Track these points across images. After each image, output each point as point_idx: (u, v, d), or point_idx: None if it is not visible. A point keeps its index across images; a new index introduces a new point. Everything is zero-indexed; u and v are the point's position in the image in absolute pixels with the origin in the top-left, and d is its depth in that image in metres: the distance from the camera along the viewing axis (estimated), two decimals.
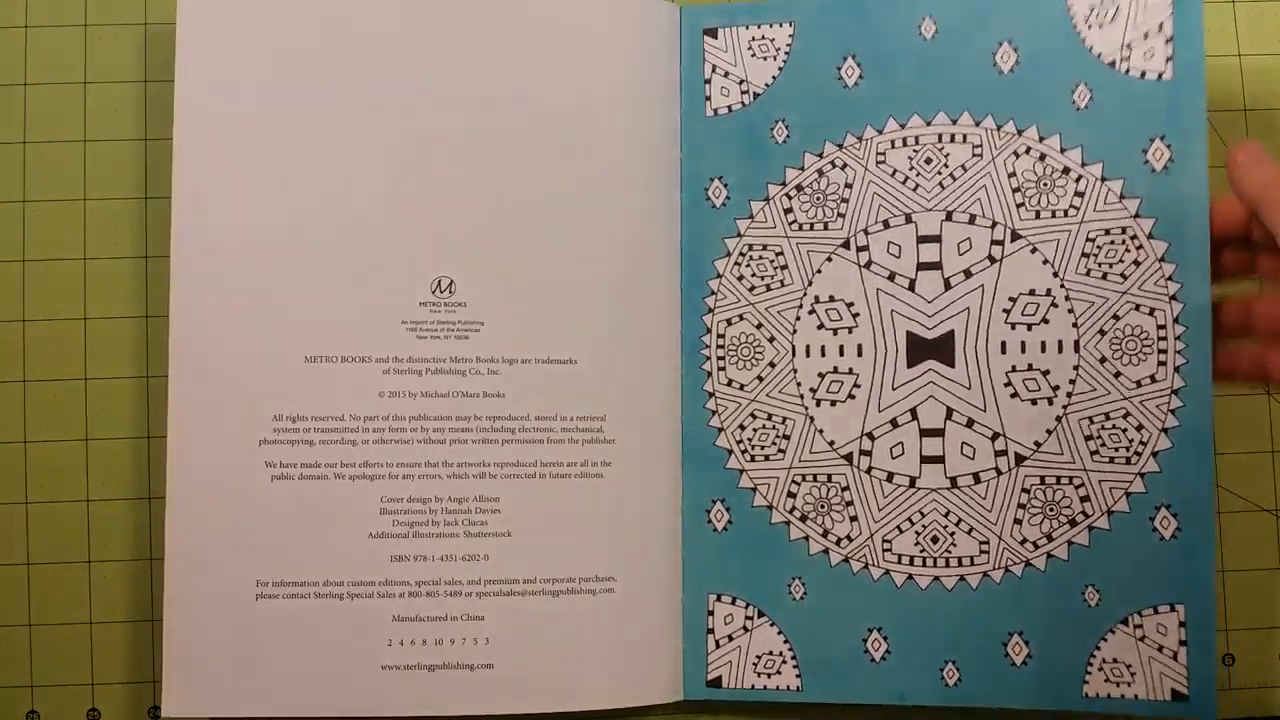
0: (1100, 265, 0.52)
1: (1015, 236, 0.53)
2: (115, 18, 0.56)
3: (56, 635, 0.53)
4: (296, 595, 0.52)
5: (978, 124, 0.53)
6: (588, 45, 0.55)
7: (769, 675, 0.53)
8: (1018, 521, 0.52)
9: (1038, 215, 0.53)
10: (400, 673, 0.52)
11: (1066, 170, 0.52)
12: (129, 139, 0.55)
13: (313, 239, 0.53)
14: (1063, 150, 0.53)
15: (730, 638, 0.53)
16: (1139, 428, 0.52)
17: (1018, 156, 0.53)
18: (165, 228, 0.53)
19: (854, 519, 0.54)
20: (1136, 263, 0.52)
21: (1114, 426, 0.52)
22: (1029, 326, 0.53)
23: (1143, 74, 0.52)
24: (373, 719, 0.52)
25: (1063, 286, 0.52)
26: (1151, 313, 0.51)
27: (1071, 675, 0.52)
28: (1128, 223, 0.52)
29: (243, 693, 0.51)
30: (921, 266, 0.54)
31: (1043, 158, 0.53)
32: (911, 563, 0.53)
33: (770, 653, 0.53)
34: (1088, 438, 0.52)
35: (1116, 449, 0.52)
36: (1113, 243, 0.52)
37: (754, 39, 0.55)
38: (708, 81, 0.55)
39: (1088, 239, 0.52)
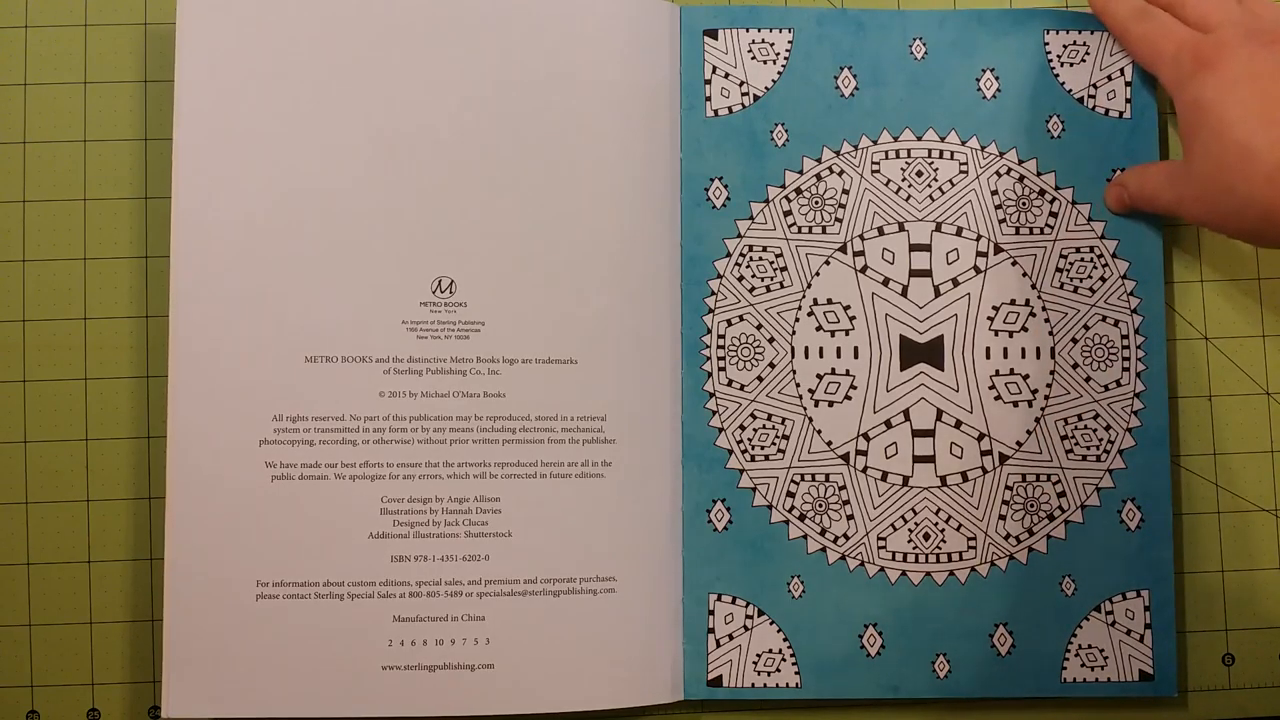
0: (1072, 280, 0.55)
1: (998, 250, 0.56)
2: (115, 18, 0.56)
3: (56, 635, 0.53)
4: (296, 595, 0.52)
5: (963, 143, 0.56)
6: (587, 45, 0.55)
7: (769, 674, 0.54)
8: (1001, 518, 0.55)
9: (1017, 231, 0.55)
10: (400, 673, 0.52)
11: (1042, 192, 0.56)
12: (129, 139, 0.55)
13: (313, 239, 0.53)
14: (1039, 174, 0.56)
15: (731, 637, 0.54)
16: (1107, 428, 0.55)
17: (1000, 176, 0.56)
18: (165, 228, 0.53)
19: (850, 518, 0.54)
20: (1103, 279, 0.55)
21: (1086, 427, 0.55)
22: (1010, 334, 0.55)
23: (1106, 111, 0.56)
24: (372, 719, 0.52)
25: (1040, 298, 0.55)
26: (1116, 324, 0.55)
27: (1051, 662, 0.54)
28: (1095, 243, 0.55)
29: (243, 693, 0.51)
30: (913, 273, 0.55)
31: (1021, 179, 0.56)
32: (905, 559, 0.54)
33: (770, 651, 0.54)
34: (1063, 437, 0.55)
35: (1089, 448, 0.55)
36: (1082, 260, 0.55)
37: (754, 42, 0.56)
38: (708, 82, 0.56)
39: (1061, 255, 0.55)
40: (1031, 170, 0.56)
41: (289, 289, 0.53)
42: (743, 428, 0.55)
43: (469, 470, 0.53)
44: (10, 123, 0.55)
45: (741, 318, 0.55)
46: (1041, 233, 0.55)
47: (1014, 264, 0.55)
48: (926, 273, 0.55)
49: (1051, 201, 0.56)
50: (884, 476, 0.55)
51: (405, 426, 0.53)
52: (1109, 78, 0.56)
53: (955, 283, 0.55)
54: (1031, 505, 0.54)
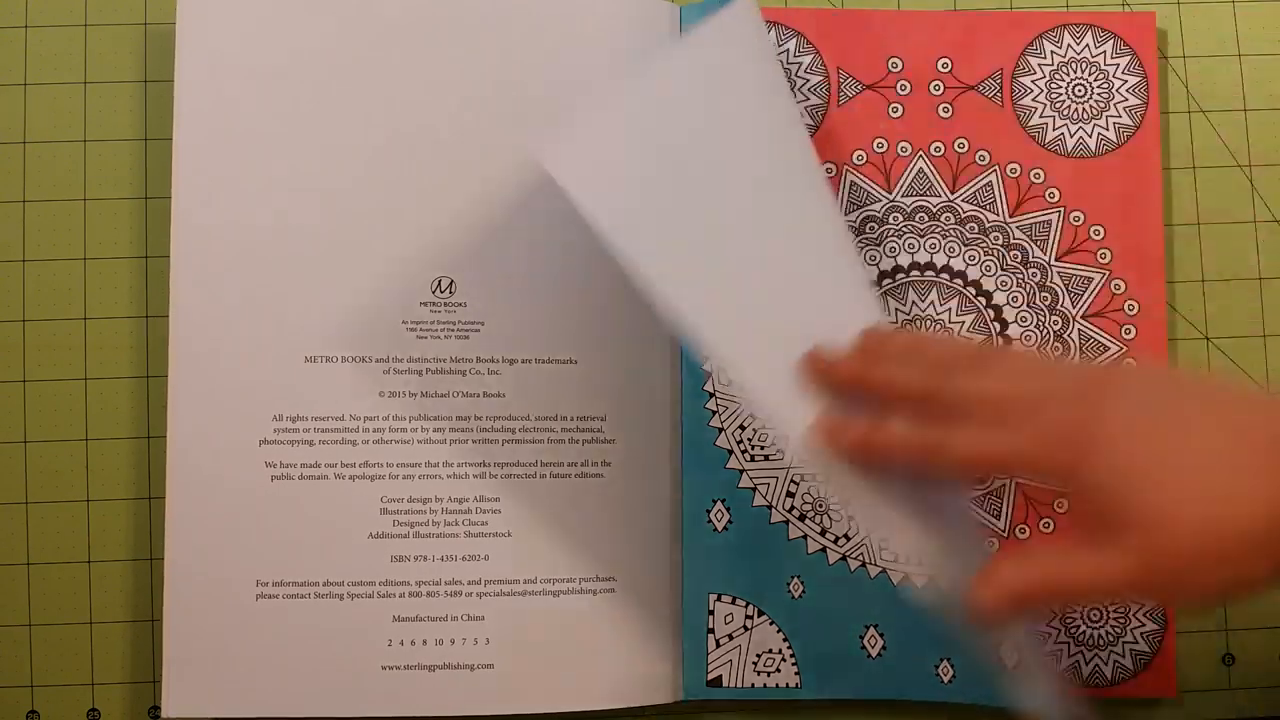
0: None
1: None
2: (115, 18, 0.56)
3: (56, 635, 0.53)
4: (296, 595, 0.52)
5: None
6: (588, 45, 0.55)
7: (768, 673, 0.53)
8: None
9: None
10: (400, 673, 0.52)
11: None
12: (129, 139, 0.55)
13: (313, 239, 0.53)
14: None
15: (730, 637, 0.54)
16: None
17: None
18: (165, 228, 0.53)
19: (851, 518, 0.54)
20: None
21: None
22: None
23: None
24: (373, 719, 0.52)
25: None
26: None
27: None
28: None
29: (243, 693, 0.51)
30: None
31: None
32: (906, 560, 0.54)
33: (770, 651, 0.54)
34: None
35: None
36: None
37: None
38: None
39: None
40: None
41: (289, 289, 0.53)
42: (742, 428, 0.54)
43: (469, 470, 0.53)
44: (10, 123, 0.55)
45: None
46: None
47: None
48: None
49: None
50: None
51: (405, 426, 0.53)
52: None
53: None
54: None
